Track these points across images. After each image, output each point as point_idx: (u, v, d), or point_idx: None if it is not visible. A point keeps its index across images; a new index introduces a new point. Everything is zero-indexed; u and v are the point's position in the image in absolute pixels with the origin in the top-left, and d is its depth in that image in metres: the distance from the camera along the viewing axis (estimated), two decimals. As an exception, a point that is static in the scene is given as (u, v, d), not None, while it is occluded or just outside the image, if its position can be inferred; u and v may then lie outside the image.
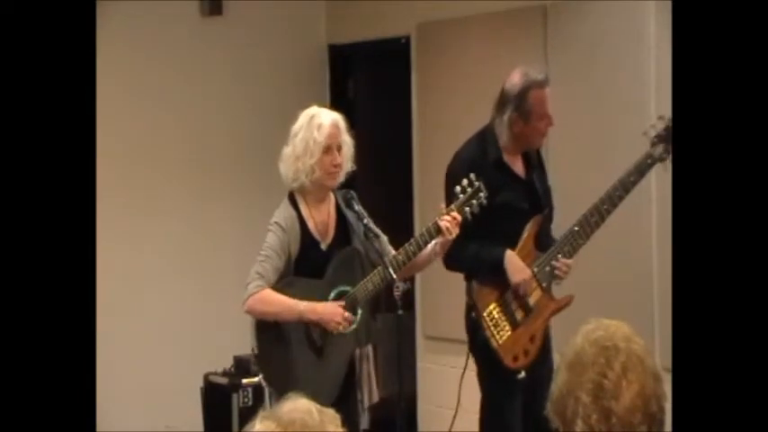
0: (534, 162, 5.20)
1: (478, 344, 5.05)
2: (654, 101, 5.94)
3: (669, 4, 3.36)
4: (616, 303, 5.74)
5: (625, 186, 5.02)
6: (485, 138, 5.15)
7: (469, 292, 5.07)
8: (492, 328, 5.00)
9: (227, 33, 7.58)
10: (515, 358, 5.00)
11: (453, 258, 5.04)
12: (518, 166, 5.16)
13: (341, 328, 4.76)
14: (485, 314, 5.01)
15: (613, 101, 6.18)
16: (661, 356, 4.17)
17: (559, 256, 5.04)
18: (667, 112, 4.83)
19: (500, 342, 5.00)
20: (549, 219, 5.16)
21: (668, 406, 2.51)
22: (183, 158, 7.42)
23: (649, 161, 5.01)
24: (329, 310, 4.77)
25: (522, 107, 5.03)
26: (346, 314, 4.78)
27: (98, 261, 3.43)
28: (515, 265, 5.00)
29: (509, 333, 5.01)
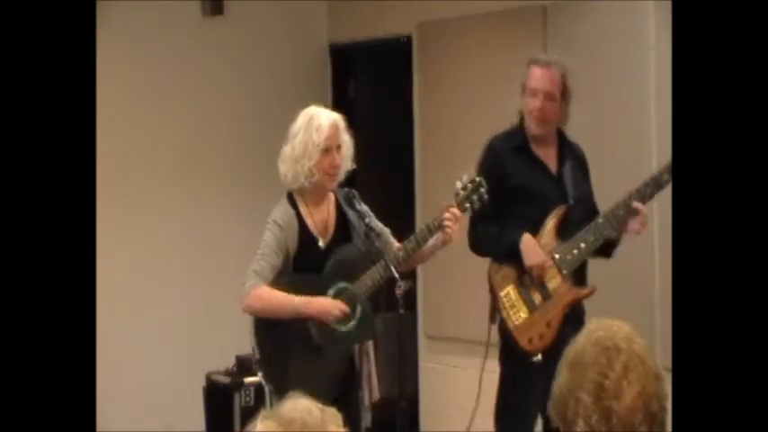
0: (568, 158, 5.19)
1: (498, 325, 5.09)
2: (654, 101, 5.94)
3: (669, 4, 3.36)
4: (617, 303, 5.73)
5: (658, 183, 5.00)
6: (513, 130, 5.23)
7: (489, 274, 5.10)
8: (508, 309, 5.03)
9: (228, 33, 7.58)
10: (530, 341, 5.02)
11: (476, 241, 5.13)
12: (549, 159, 5.18)
13: (342, 315, 4.78)
14: (502, 294, 5.04)
15: (613, 101, 6.18)
16: (661, 356, 4.17)
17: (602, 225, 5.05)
18: (667, 112, 4.83)
19: (515, 323, 5.03)
20: (576, 212, 5.12)
21: (669, 406, 2.51)
22: (184, 158, 7.42)
23: (666, 177, 4.98)
24: (325, 304, 4.78)
25: (524, 80, 5.15)
26: (343, 306, 4.78)
27: (98, 261, 3.43)
28: (531, 248, 5.02)
29: (525, 315, 5.03)
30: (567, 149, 5.24)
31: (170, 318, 7.27)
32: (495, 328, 5.14)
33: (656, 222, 5.88)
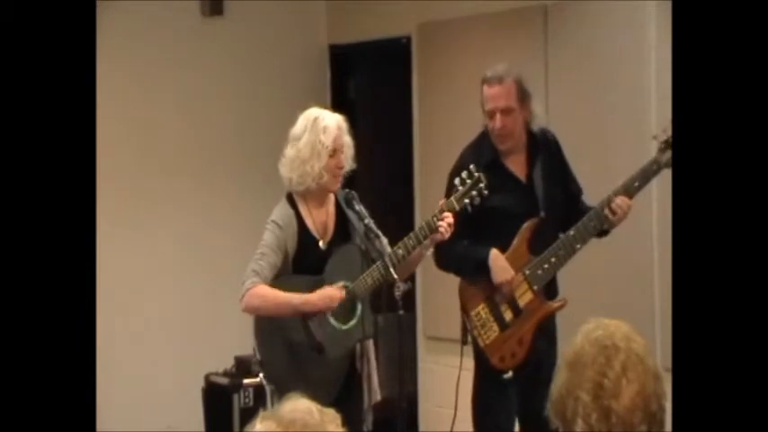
0: (538, 160, 5.15)
1: (470, 342, 5.08)
2: (654, 101, 5.94)
3: (669, 5, 3.36)
4: (616, 303, 5.74)
5: (628, 191, 4.99)
6: (482, 140, 5.18)
7: (460, 292, 5.09)
8: (479, 327, 5.02)
9: (228, 33, 7.58)
10: (502, 359, 5.02)
11: (443, 258, 5.08)
12: (518, 168, 5.15)
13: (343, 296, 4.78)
14: (473, 314, 5.03)
15: (613, 101, 6.18)
16: (661, 356, 4.18)
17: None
18: (668, 112, 4.83)
19: (486, 342, 5.02)
20: (548, 223, 5.10)
21: (668, 405, 2.51)
22: (184, 158, 7.42)
23: (655, 167, 4.97)
24: (323, 296, 4.77)
25: (481, 100, 5.11)
26: (342, 292, 4.78)
27: (98, 261, 3.43)
28: (499, 265, 5.00)
29: (496, 334, 5.03)
30: (537, 147, 5.18)
31: (170, 318, 7.27)
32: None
33: (656, 222, 5.89)
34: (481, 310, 5.04)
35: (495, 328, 5.03)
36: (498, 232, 5.01)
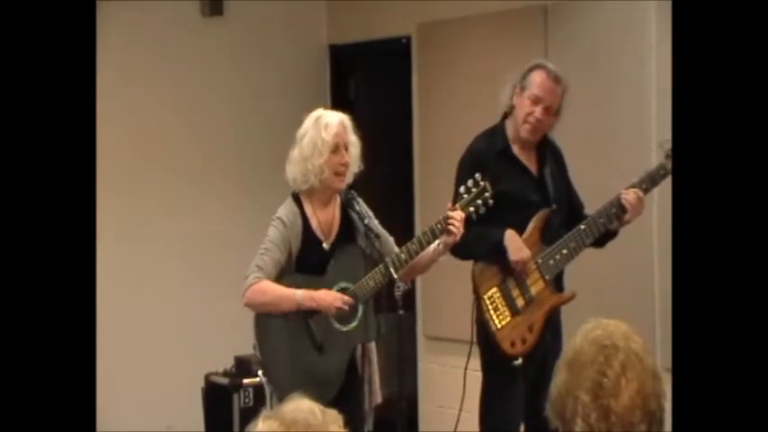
0: (548, 160, 5.20)
1: (480, 328, 5.09)
2: (654, 101, 5.95)
3: (669, 4, 3.36)
4: (616, 303, 5.74)
5: (652, 179, 5.06)
6: (494, 131, 5.21)
7: (473, 275, 5.09)
8: (492, 311, 5.04)
9: (228, 33, 7.58)
10: (512, 344, 5.03)
11: (459, 245, 5.05)
12: (530, 161, 5.18)
13: (345, 308, 4.76)
14: (485, 297, 5.04)
15: (613, 101, 6.18)
16: (661, 356, 4.18)
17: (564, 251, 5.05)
18: (667, 112, 4.83)
19: (498, 326, 5.03)
20: (559, 215, 5.14)
21: (668, 405, 2.51)
22: (184, 158, 7.42)
23: (662, 172, 5.04)
24: (327, 296, 4.78)
25: (524, 81, 5.11)
26: (345, 297, 4.78)
27: (98, 260, 3.44)
28: (515, 243, 5.02)
29: (508, 319, 5.04)
30: (548, 149, 5.23)
31: (170, 318, 7.27)
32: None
33: (656, 223, 5.89)
34: (494, 293, 5.05)
35: (507, 313, 5.04)
36: (510, 218, 5.02)
